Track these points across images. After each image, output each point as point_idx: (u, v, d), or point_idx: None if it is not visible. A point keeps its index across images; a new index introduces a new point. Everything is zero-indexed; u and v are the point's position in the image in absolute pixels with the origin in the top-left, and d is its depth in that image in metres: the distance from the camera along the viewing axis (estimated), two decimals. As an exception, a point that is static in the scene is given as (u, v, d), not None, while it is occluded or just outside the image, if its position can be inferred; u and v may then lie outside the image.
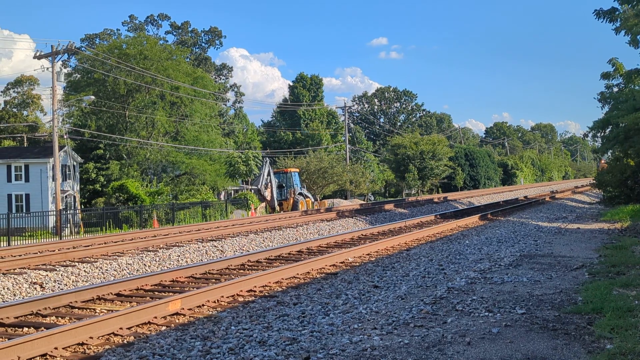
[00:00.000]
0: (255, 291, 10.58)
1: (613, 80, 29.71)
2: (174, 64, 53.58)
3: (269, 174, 37.68)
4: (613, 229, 20.97)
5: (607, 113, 31.66)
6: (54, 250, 17.46)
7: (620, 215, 25.40)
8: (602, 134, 33.88)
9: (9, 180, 46.62)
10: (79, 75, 56.10)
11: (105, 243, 19.37)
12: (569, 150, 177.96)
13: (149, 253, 16.75)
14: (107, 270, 14.68)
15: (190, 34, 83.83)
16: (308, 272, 12.56)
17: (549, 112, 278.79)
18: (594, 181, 40.31)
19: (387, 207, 35.19)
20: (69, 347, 7.17)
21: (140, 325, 8.22)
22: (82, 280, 13.72)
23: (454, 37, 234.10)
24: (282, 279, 11.72)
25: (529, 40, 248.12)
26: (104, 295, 10.47)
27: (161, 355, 6.64)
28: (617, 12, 23.14)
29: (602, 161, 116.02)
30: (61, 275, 13.69)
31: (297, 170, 44.99)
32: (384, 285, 10.78)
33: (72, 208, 46.41)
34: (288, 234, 22.47)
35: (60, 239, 28.08)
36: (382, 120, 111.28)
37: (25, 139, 64.95)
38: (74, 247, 18.26)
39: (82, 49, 54.82)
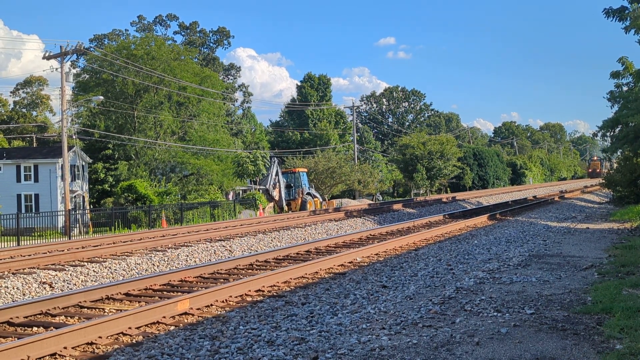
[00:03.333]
0: (263, 291, 10.59)
1: (623, 79, 29.50)
2: (181, 64, 53.71)
3: (277, 174, 37.73)
4: (623, 228, 20.87)
5: (617, 112, 31.48)
6: (63, 250, 17.55)
7: (630, 215, 25.27)
8: (612, 133, 33.69)
9: (19, 180, 46.89)
10: (87, 76, 56.35)
11: (114, 243, 19.45)
12: (578, 150, 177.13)
13: (157, 253, 16.80)
14: (116, 270, 14.73)
15: (198, 34, 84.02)
16: (316, 272, 12.56)
17: (558, 111, 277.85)
18: (604, 181, 40.11)
19: (396, 207, 35.14)
20: (78, 346, 7.20)
21: (149, 325, 8.25)
22: (91, 280, 13.78)
23: (462, 37, 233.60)
24: (291, 278, 11.73)
25: (537, 39, 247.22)
26: (113, 295, 10.50)
27: (170, 355, 6.66)
28: (627, 11, 22.98)
29: (595, 157, 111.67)
30: (70, 275, 13.75)
31: (305, 170, 44.99)
32: (392, 285, 10.77)
33: (81, 208, 46.63)
34: (296, 234, 22.49)
35: (69, 238, 28.22)
36: (390, 120, 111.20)
37: (34, 140, 65.36)
38: (83, 247, 18.33)
39: (91, 49, 55.04)
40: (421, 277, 11.47)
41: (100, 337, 7.44)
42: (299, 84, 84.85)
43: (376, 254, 15.34)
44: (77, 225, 35.14)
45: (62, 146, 37.44)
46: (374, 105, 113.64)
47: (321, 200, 44.14)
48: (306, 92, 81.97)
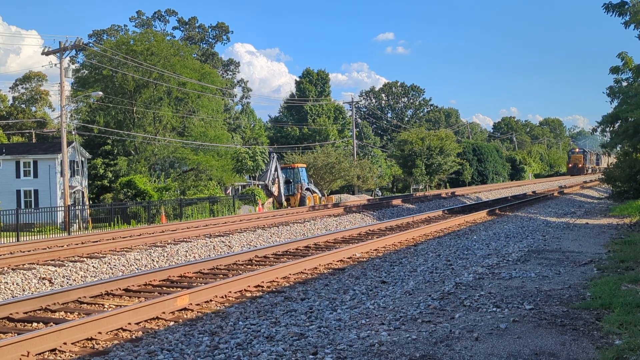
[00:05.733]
0: (262, 286, 10.60)
1: (622, 74, 29.38)
2: (181, 60, 53.62)
3: (276, 170, 37.76)
4: (622, 224, 20.88)
5: (616, 108, 31.40)
6: (62, 246, 17.55)
7: (629, 210, 25.30)
8: (611, 128, 33.62)
9: (18, 176, 46.85)
10: (86, 71, 56.22)
11: (113, 238, 19.45)
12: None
13: (157, 248, 16.80)
14: (115, 265, 14.74)
15: (197, 30, 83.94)
16: (315, 268, 12.57)
17: (557, 106, 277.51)
18: (603, 176, 40.12)
19: (395, 202, 35.14)
20: (78, 342, 7.21)
21: (149, 321, 8.26)
22: (91, 276, 13.79)
23: (461, 32, 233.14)
24: (290, 274, 11.74)
25: (536, 34, 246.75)
26: (112, 290, 10.51)
27: (169, 351, 6.67)
28: (627, 6, 22.92)
29: (577, 150, 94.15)
30: (70, 270, 13.76)
31: (305, 165, 45.01)
32: (391, 281, 10.78)
33: (81, 204, 46.61)
34: (295, 230, 22.49)
35: (69, 234, 28.22)
36: (389, 115, 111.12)
37: (33, 135, 65.23)
38: (82, 243, 18.33)
39: (90, 45, 54.93)
40: (420, 272, 11.48)
41: (100, 333, 7.45)
42: (298, 79, 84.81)
43: (375, 250, 15.35)
44: (77, 220, 35.13)
45: (62, 142, 37.39)
46: (373, 100, 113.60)
47: (320, 195, 44.17)
48: (305, 88, 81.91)
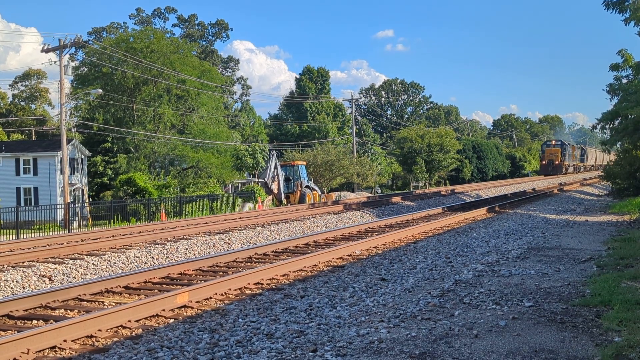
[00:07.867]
0: (262, 284, 10.60)
1: (622, 71, 29.39)
2: (180, 57, 53.61)
3: (275, 167, 37.78)
4: (622, 221, 20.89)
5: (616, 105, 31.40)
6: (62, 243, 17.54)
7: (629, 208, 25.31)
8: (611, 125, 33.63)
9: (18, 173, 46.88)
10: (86, 69, 56.22)
11: (113, 236, 19.44)
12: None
13: (157, 246, 16.80)
14: (115, 263, 14.74)
15: (197, 27, 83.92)
16: (315, 265, 12.57)
17: (557, 104, 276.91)
18: (603, 173, 40.14)
19: (395, 199, 35.13)
20: (77, 339, 7.21)
21: (149, 318, 8.26)
22: (91, 273, 13.79)
23: (461, 30, 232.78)
24: (290, 271, 11.74)
25: (536, 31, 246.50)
26: (112, 288, 10.51)
27: (169, 348, 6.67)
28: (627, 3, 22.92)
29: (554, 142, 73.41)
30: (70, 268, 13.76)
31: (304, 163, 45.00)
32: (391, 278, 10.78)
33: (80, 201, 46.64)
34: (295, 227, 22.50)
35: (69, 232, 28.21)
36: (389, 112, 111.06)
37: (33, 133, 65.25)
38: (82, 240, 18.33)
39: (90, 42, 54.88)
40: (420, 270, 11.49)
41: (99, 330, 7.45)
42: (298, 76, 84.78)
43: (375, 247, 15.34)
44: (77, 218, 35.15)
45: (61, 139, 37.38)
46: (373, 98, 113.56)
47: (320, 193, 44.18)
48: (304, 85, 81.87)
